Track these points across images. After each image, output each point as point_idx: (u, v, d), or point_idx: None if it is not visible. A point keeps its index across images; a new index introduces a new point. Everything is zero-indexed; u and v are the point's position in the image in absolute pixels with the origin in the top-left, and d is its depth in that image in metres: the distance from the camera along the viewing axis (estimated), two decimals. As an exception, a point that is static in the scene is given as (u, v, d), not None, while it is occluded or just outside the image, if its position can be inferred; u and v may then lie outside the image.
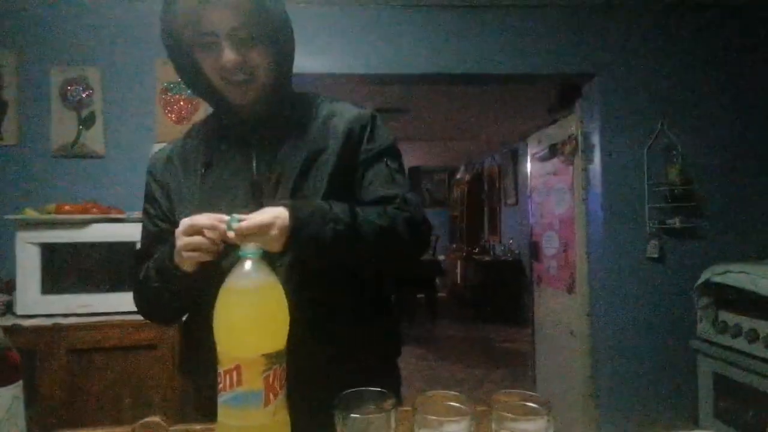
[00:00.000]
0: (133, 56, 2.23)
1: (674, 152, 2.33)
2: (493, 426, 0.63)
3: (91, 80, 2.21)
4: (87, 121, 2.21)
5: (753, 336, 1.80)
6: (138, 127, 2.21)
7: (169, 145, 0.95)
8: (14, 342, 0.60)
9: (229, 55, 0.78)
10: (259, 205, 0.75)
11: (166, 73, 2.24)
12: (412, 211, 0.85)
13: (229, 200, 0.83)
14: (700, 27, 2.38)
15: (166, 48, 0.83)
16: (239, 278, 0.61)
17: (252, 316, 0.60)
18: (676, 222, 2.29)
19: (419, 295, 5.93)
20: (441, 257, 7.21)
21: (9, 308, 1.81)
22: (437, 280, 5.86)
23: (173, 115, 2.26)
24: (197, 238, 0.72)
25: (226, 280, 0.61)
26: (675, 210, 2.31)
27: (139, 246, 0.94)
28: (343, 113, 0.90)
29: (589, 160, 2.52)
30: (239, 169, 0.85)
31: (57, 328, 1.63)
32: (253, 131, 0.87)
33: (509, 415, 0.63)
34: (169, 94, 2.27)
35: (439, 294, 6.50)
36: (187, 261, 0.75)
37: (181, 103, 2.27)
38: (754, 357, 1.78)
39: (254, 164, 0.85)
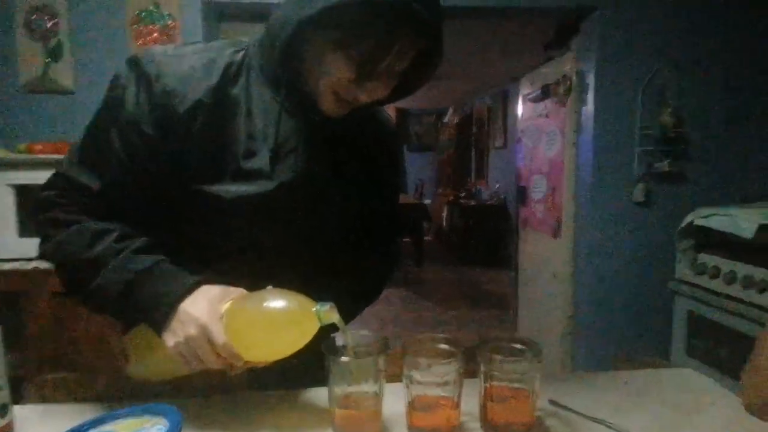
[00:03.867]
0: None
1: (668, 94, 2.29)
2: (482, 367, 0.63)
3: (57, 7, 2.04)
4: (54, 53, 2.06)
5: (731, 277, 1.85)
6: (109, 59, 2.08)
7: (192, 61, 0.69)
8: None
9: (368, 86, 0.66)
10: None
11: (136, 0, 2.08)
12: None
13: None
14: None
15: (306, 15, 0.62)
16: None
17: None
18: (664, 165, 2.29)
19: (405, 239, 5.99)
20: (427, 201, 7.23)
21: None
22: (424, 224, 5.90)
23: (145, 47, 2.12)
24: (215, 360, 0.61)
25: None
26: (664, 153, 2.30)
27: (62, 172, 0.70)
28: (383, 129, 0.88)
29: (582, 101, 2.46)
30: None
31: (37, 272, 1.60)
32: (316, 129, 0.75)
33: (498, 356, 0.63)
34: (142, 24, 2.11)
35: (426, 238, 6.57)
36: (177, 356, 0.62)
37: (155, 34, 2.12)
38: (731, 297, 1.84)
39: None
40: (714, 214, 1.93)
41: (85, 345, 1.63)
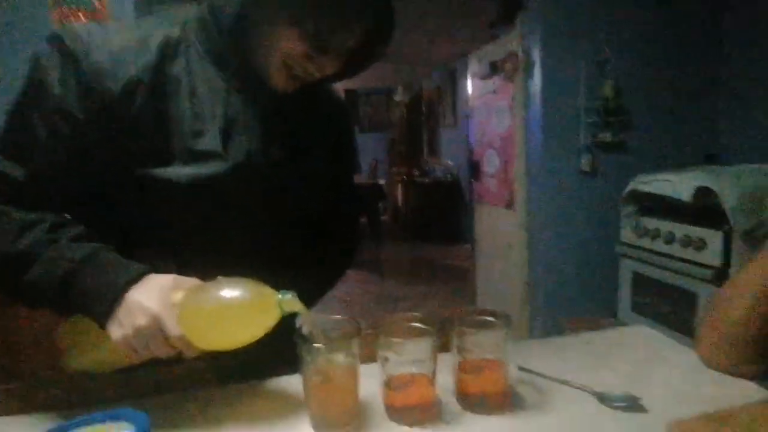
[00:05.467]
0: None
1: (608, 67, 2.38)
2: (455, 341, 0.64)
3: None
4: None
5: (670, 237, 1.98)
6: (29, 44, 1.90)
7: (123, 38, 0.65)
8: None
9: (321, 60, 0.66)
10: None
11: (58, -21, 1.91)
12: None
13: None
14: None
15: None
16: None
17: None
18: (608, 136, 2.39)
19: (362, 220, 5.98)
20: (382, 181, 7.24)
21: None
22: (380, 204, 5.91)
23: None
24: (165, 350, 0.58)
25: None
26: (607, 124, 2.40)
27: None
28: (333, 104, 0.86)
29: (529, 76, 2.51)
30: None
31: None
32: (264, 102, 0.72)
33: (470, 329, 0.64)
34: (65, 6, 1.95)
35: (382, 218, 6.59)
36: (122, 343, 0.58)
37: (82, 17, 1.96)
38: (671, 256, 1.97)
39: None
40: (653, 180, 2.05)
41: (27, 349, 1.52)
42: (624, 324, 2.14)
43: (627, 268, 2.24)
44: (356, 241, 0.98)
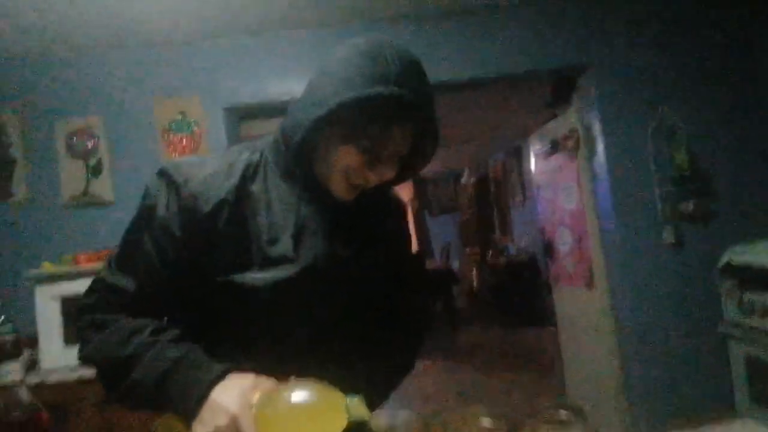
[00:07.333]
0: (131, 101, 2.27)
1: (677, 134, 2.31)
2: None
3: (95, 129, 2.25)
4: (95, 170, 2.25)
5: (782, 314, 1.76)
6: (144, 170, 2.25)
7: (214, 166, 0.78)
8: (41, 398, 0.60)
9: (376, 170, 0.75)
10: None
11: (165, 112, 2.28)
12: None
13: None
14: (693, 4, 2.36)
15: (329, 108, 0.69)
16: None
17: None
18: (689, 205, 2.26)
19: (436, 306, 5.88)
20: (455, 264, 7.17)
21: (34, 365, 1.83)
22: (453, 288, 5.81)
23: (177, 154, 2.30)
24: None
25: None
26: (686, 193, 2.28)
27: (104, 281, 0.76)
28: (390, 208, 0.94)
29: (592, 151, 2.50)
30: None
31: (81, 382, 1.63)
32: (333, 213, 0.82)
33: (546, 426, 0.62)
34: (171, 133, 2.31)
35: (457, 301, 6.43)
36: None
37: (184, 141, 2.31)
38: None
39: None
40: (749, 250, 1.88)
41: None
42: (742, 418, 1.85)
43: (738, 352, 1.99)
44: (426, 327, 1.00)
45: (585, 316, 2.76)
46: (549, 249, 3.18)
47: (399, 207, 0.97)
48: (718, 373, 2.13)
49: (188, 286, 0.75)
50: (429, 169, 8.01)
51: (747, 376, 1.95)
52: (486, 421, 0.65)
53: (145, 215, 0.76)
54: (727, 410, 2.04)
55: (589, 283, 2.67)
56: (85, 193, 2.23)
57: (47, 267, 1.87)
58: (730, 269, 1.98)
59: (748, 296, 1.93)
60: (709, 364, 2.20)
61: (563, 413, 0.65)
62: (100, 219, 2.21)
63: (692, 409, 2.13)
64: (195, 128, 2.32)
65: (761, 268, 1.81)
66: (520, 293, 5.66)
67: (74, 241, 2.15)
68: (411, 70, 0.72)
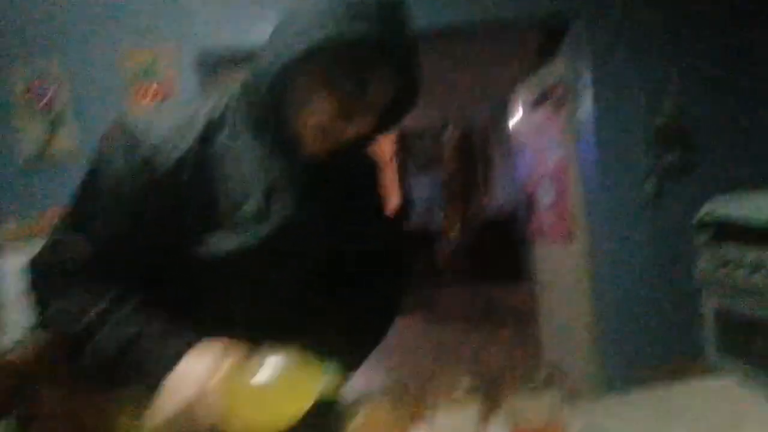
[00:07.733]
0: (97, 44, 2.11)
1: (668, 85, 2.25)
2: (504, 408, 0.60)
3: (55, 75, 2.08)
4: (57, 122, 2.10)
5: (756, 267, 1.79)
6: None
7: (175, 116, 0.72)
8: None
9: (355, 122, 0.68)
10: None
11: (134, 56, 2.12)
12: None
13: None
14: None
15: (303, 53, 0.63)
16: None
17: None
18: (674, 157, 2.24)
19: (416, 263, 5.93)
20: (437, 220, 7.19)
21: None
22: (434, 245, 5.86)
23: (148, 102, 2.15)
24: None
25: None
26: (671, 144, 2.26)
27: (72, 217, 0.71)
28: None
29: (581, 101, 2.44)
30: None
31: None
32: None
33: (518, 402, 0.60)
34: (141, 80, 2.15)
35: (437, 258, 6.50)
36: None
37: (155, 86, 2.16)
38: (758, 288, 1.78)
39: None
40: (731, 202, 1.88)
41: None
42: (711, 368, 1.93)
43: (709, 304, 2.04)
44: (401, 291, 0.97)
45: (563, 271, 2.80)
46: (530, 203, 3.18)
47: (374, 168, 0.91)
48: (689, 324, 2.19)
49: (149, 249, 0.69)
50: (411, 123, 7.87)
51: (716, 327, 2.01)
52: (462, 389, 0.62)
53: (99, 171, 0.69)
54: (700, 361, 2.11)
55: (570, 237, 2.68)
56: (47, 145, 2.10)
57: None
58: (708, 222, 1.99)
59: (724, 248, 1.95)
60: (681, 315, 2.25)
61: (542, 376, 0.63)
62: (66, 174, 2.09)
63: (663, 359, 2.20)
64: (167, 74, 2.17)
65: (738, 220, 1.81)
66: (500, 250, 5.74)
67: (39, 200, 2.03)
68: (393, 8, 0.65)
